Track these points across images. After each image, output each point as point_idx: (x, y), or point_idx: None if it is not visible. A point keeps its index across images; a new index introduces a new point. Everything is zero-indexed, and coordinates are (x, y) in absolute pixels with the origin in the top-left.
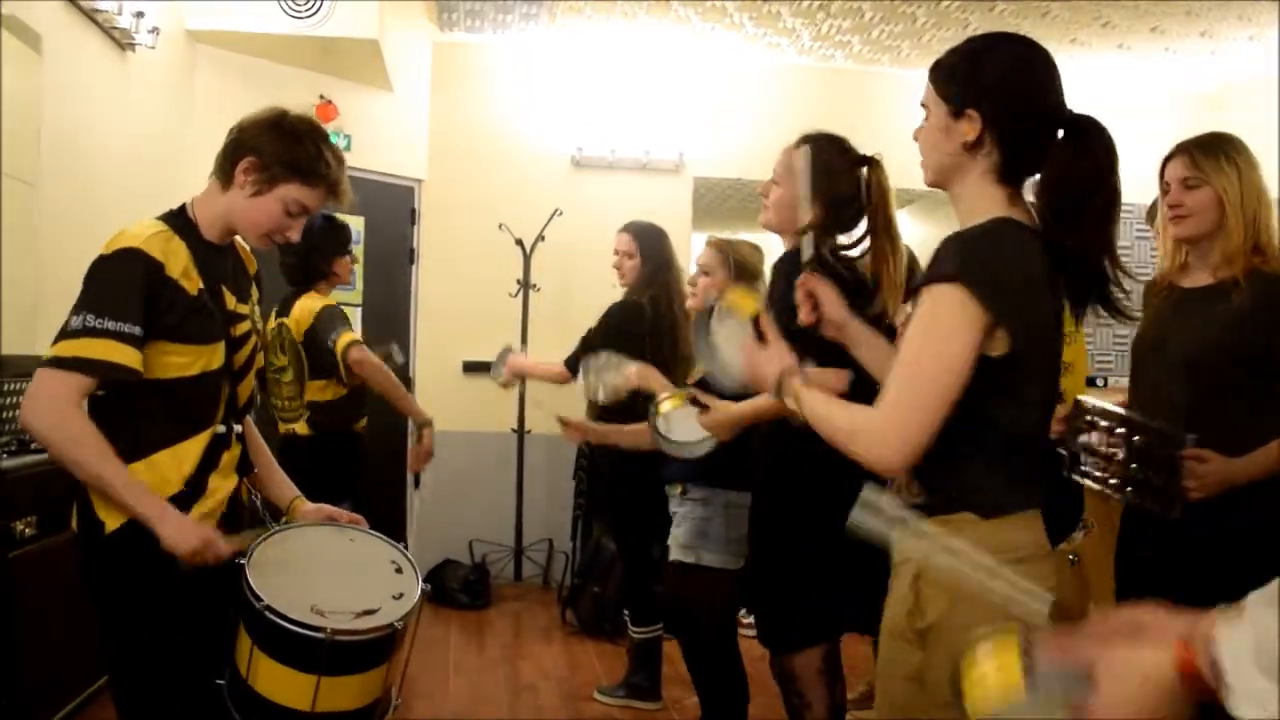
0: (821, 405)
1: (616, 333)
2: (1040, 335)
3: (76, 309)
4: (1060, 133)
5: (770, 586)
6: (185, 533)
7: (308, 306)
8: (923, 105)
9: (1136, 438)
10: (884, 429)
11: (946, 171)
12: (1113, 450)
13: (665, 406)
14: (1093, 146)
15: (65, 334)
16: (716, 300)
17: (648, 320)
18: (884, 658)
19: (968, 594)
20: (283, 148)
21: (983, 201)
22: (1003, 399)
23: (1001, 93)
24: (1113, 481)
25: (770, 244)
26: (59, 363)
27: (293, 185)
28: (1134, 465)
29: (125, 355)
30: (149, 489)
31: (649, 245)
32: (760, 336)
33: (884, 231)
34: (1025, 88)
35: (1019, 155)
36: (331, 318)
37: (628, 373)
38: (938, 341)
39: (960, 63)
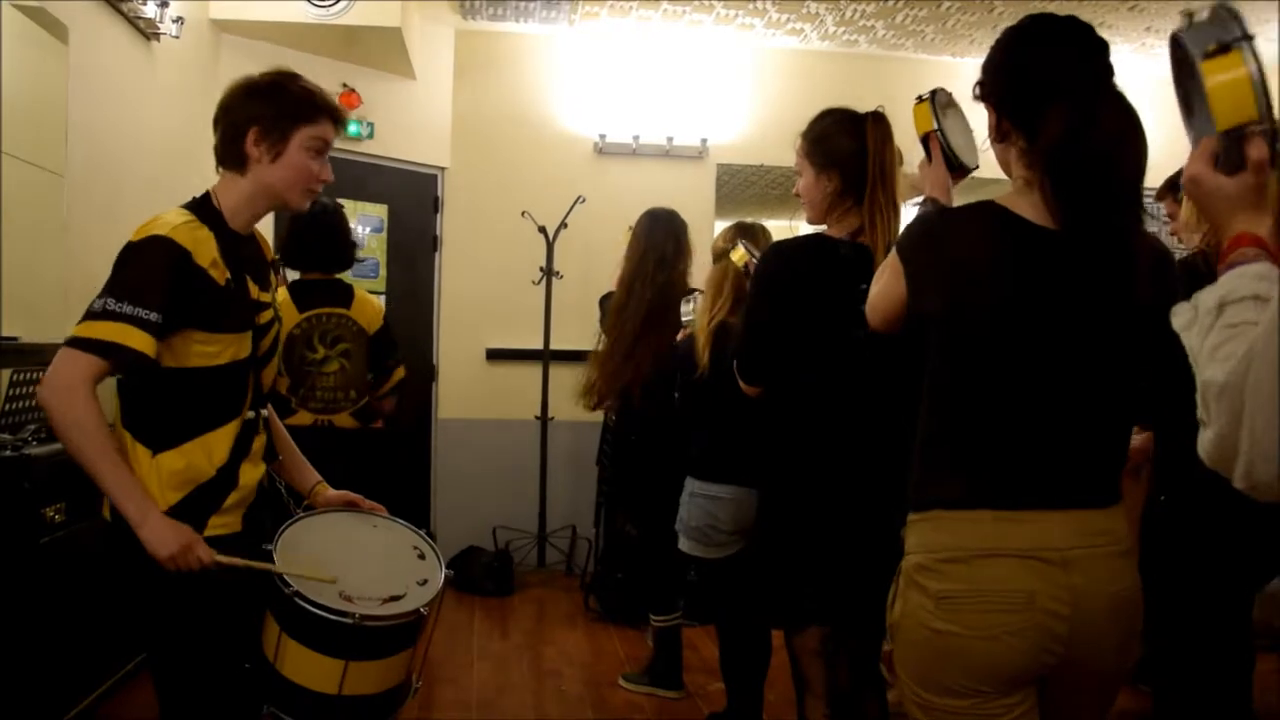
0: None
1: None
2: (981, 316)
3: (101, 293)
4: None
5: (772, 567)
6: (166, 536)
7: (376, 304)
8: None
9: None
10: None
11: (1006, 170)
12: None
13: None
14: (1081, 117)
15: (87, 316)
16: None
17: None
18: None
19: (910, 592)
20: (273, 103)
21: (1012, 189)
22: (941, 385)
23: (999, 77)
24: None
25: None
26: (76, 343)
27: (302, 129)
28: None
29: (140, 341)
30: (139, 488)
31: (641, 228)
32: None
33: (879, 185)
34: (1015, 64)
35: (1034, 133)
36: (392, 334)
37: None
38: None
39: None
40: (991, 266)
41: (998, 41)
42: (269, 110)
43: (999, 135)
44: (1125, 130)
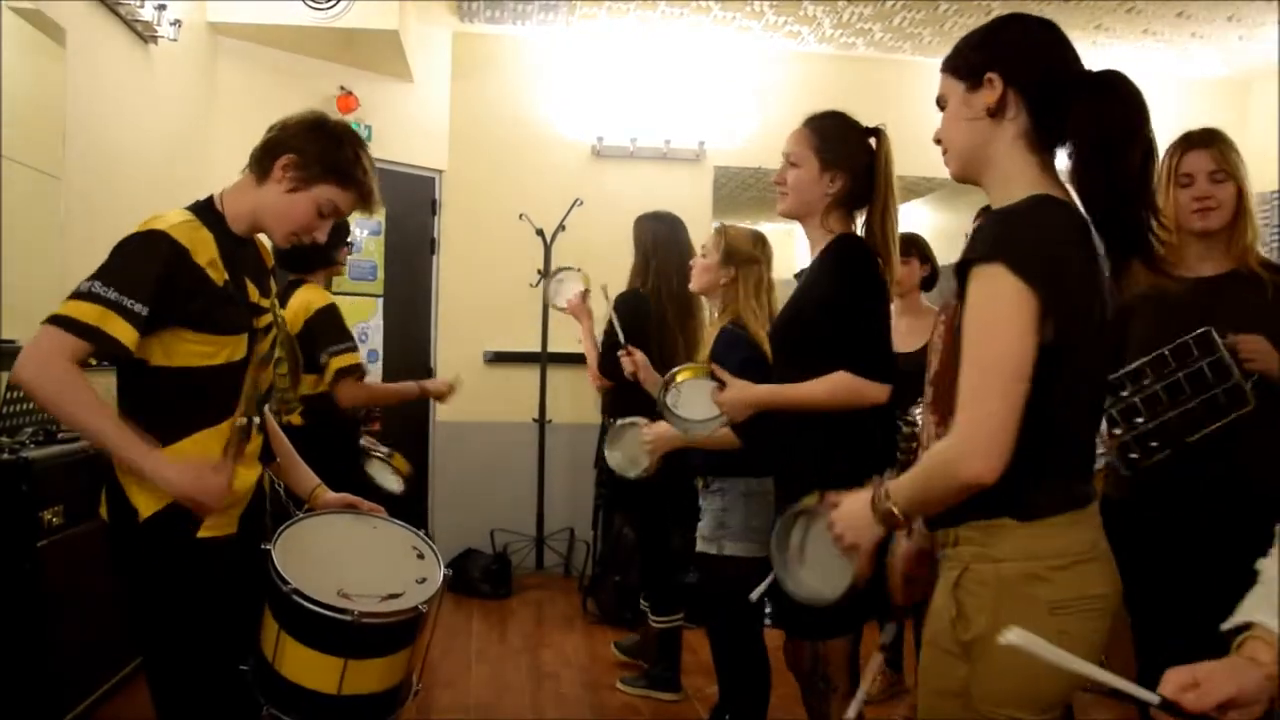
0: (908, 478)
1: (627, 324)
2: (1087, 324)
3: (91, 275)
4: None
5: None
6: (177, 474)
7: (306, 300)
8: (939, 101)
9: (1167, 371)
10: (969, 441)
11: (974, 152)
12: (1149, 398)
13: (681, 376)
14: (1120, 97)
15: (72, 295)
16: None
17: (649, 308)
18: (925, 668)
19: (1013, 603)
20: (324, 149)
21: (1016, 173)
22: (1048, 392)
23: (1020, 50)
24: (1170, 416)
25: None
26: (56, 320)
27: (329, 186)
28: (1182, 394)
29: (121, 330)
30: (139, 439)
31: (639, 234)
32: (721, 384)
33: (890, 200)
34: (1043, 45)
35: (1047, 115)
36: (329, 327)
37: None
38: (996, 331)
39: (971, 40)
40: (1090, 269)
41: (1017, 20)
42: (315, 151)
43: (994, 110)
44: (1152, 138)
